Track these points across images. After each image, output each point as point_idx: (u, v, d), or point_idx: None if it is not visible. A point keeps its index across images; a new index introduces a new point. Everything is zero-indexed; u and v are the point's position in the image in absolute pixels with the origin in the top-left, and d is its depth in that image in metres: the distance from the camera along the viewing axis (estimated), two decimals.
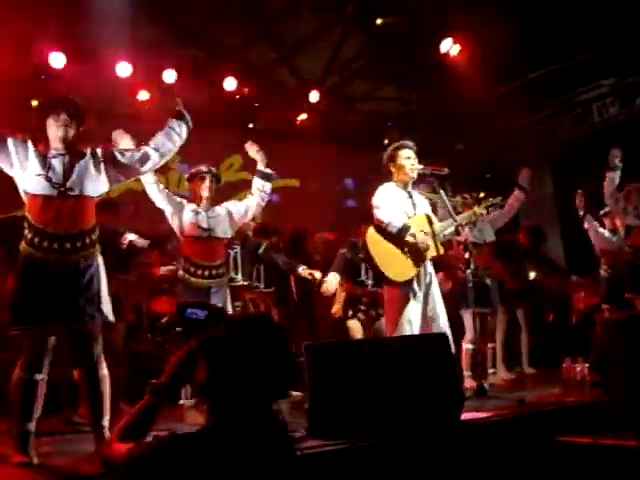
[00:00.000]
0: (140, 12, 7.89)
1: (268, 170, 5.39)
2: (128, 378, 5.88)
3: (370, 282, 6.37)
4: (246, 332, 1.96)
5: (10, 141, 3.71)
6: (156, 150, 4.08)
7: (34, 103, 6.08)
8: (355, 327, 6.44)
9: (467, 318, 6.18)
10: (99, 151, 3.93)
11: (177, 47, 8.78)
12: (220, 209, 5.29)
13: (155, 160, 4.09)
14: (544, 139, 10.79)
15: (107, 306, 3.89)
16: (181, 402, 5.33)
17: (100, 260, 3.88)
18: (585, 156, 10.00)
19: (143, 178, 4.85)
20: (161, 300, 7.11)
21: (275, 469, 1.88)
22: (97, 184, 3.89)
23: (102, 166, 3.90)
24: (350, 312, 6.43)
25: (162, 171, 9.20)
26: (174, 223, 5.15)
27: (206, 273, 5.12)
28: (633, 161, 8.55)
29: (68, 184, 3.73)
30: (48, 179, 3.69)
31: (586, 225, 7.32)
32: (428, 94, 10.74)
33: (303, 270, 6.29)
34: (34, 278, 3.68)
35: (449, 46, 8.73)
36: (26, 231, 3.72)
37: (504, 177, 10.77)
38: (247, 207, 5.33)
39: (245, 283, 6.32)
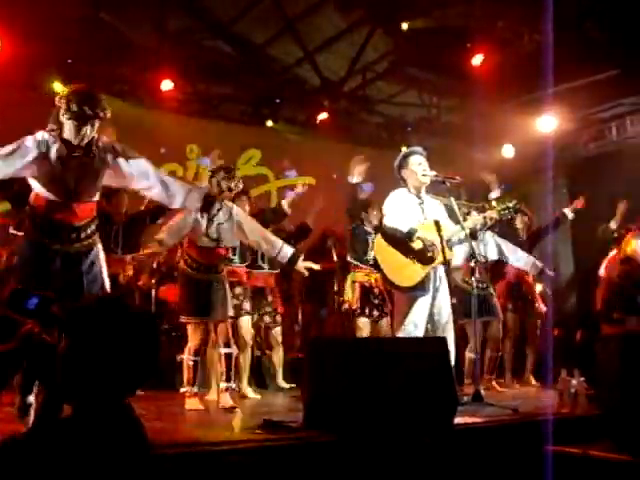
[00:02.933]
0: (168, 1, 8.01)
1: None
2: None
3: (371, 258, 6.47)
4: (92, 316, 1.87)
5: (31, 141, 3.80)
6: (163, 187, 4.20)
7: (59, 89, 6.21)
8: (364, 327, 6.52)
9: (470, 326, 6.22)
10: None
11: (203, 39, 8.89)
12: (234, 212, 5.29)
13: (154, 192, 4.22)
14: (562, 153, 10.82)
15: (108, 287, 4.03)
16: (182, 390, 5.40)
17: (100, 246, 4.04)
18: (601, 173, 10.04)
19: None
20: (170, 288, 7.19)
21: (121, 465, 1.79)
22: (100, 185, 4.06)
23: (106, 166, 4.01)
24: (367, 309, 6.51)
25: (180, 160, 9.41)
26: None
27: (210, 270, 5.24)
28: None
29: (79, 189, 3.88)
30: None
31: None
32: (449, 101, 10.78)
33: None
34: (38, 265, 3.81)
35: (479, 60, 8.74)
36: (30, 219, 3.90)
37: (520, 189, 10.87)
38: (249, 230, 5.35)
39: (243, 265, 6.35)
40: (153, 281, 7.34)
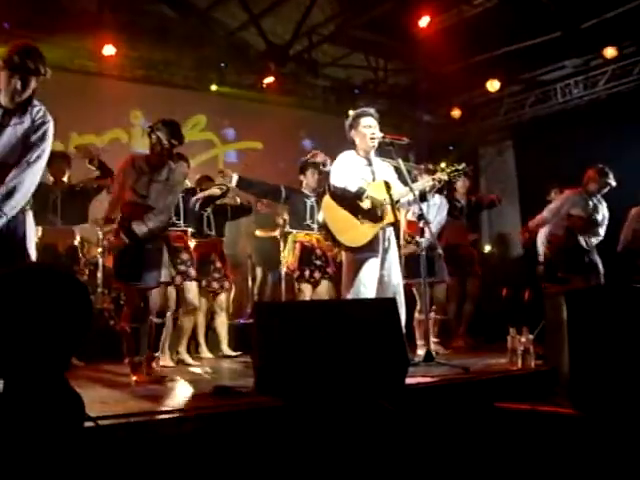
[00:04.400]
0: None
1: None
2: None
3: (316, 226, 6.50)
4: (11, 286, 1.82)
5: None
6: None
7: None
8: (307, 290, 6.50)
9: (418, 288, 6.28)
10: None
11: (145, 3, 8.70)
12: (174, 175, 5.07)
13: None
14: (508, 115, 10.92)
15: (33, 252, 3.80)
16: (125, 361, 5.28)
17: (28, 214, 3.79)
18: (547, 135, 10.17)
19: None
20: None
21: (56, 438, 1.77)
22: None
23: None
24: (307, 272, 6.47)
25: (124, 127, 9.24)
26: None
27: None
28: (593, 143, 8.72)
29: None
30: None
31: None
32: (396, 63, 10.76)
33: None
34: None
35: (426, 22, 8.69)
36: None
37: (468, 149, 10.97)
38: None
39: (190, 229, 6.27)
40: (99, 250, 7.23)
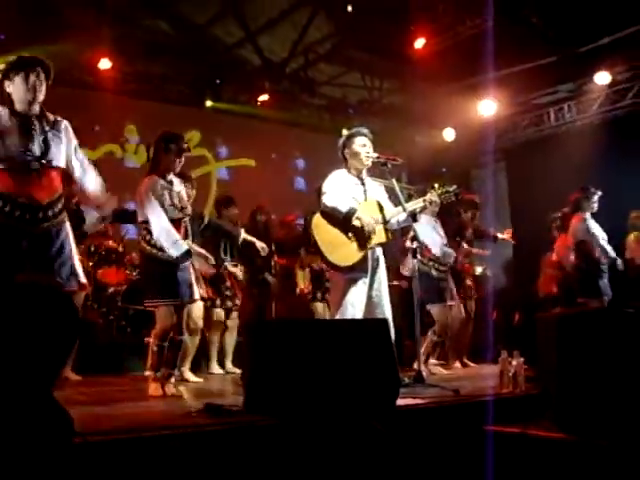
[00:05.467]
0: None
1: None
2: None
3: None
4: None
5: None
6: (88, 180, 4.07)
7: None
8: (322, 310, 6.55)
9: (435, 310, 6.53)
10: (64, 122, 3.94)
11: (143, 18, 8.71)
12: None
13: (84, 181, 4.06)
14: (502, 137, 10.98)
15: (80, 269, 3.90)
16: (146, 373, 5.24)
17: (68, 225, 3.90)
18: (539, 157, 10.24)
19: None
20: (109, 271, 7.08)
21: (44, 453, 1.76)
22: (63, 154, 3.90)
23: (64, 138, 3.91)
24: (319, 294, 6.54)
25: (119, 141, 9.24)
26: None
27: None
28: (586, 167, 8.78)
29: (46, 155, 3.75)
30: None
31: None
32: (391, 83, 10.82)
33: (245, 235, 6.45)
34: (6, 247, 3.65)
35: (421, 43, 8.76)
36: None
37: (460, 172, 11.01)
38: None
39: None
40: (90, 264, 7.19)
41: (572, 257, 7.29)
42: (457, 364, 7.30)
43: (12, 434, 1.69)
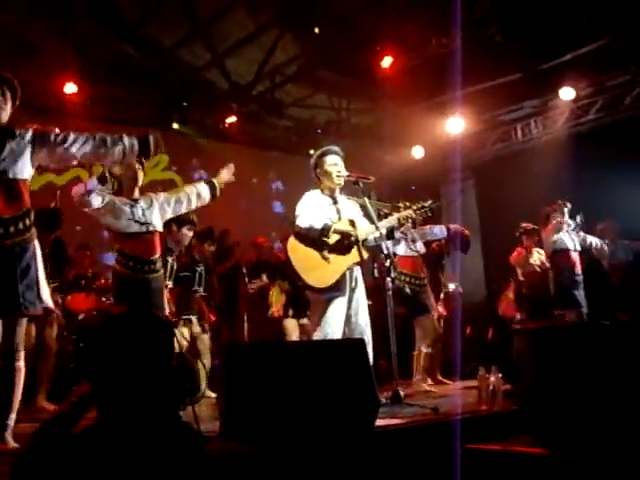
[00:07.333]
0: (73, 2, 7.76)
1: (219, 190, 5.20)
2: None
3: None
4: (117, 329, 1.92)
5: None
6: (75, 143, 3.88)
7: None
8: (291, 327, 6.57)
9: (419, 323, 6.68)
10: (29, 131, 3.75)
11: (109, 42, 8.65)
12: (151, 199, 5.02)
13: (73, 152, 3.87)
14: (471, 154, 11.05)
15: (46, 293, 3.69)
16: None
17: (36, 244, 3.69)
18: (507, 172, 10.32)
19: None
20: (77, 297, 6.95)
21: (168, 469, 1.83)
22: (29, 166, 3.70)
23: (31, 147, 3.71)
24: (291, 312, 6.53)
25: (85, 166, 9.11)
26: (107, 220, 4.87)
27: (145, 268, 4.85)
28: (554, 181, 8.88)
29: (2, 167, 3.56)
30: None
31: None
32: (359, 103, 10.85)
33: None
34: None
35: (388, 62, 8.81)
36: None
37: (429, 189, 11.05)
38: (178, 201, 5.09)
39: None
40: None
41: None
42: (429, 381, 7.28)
43: (154, 452, 1.82)
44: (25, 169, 3.68)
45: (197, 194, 5.10)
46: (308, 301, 6.52)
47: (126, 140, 4.03)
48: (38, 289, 3.62)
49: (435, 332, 6.88)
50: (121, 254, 4.87)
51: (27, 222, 3.64)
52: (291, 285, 6.75)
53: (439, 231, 7.05)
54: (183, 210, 5.17)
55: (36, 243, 3.70)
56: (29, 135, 3.74)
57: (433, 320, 6.84)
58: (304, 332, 6.90)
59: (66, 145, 3.81)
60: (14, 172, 3.61)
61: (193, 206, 5.15)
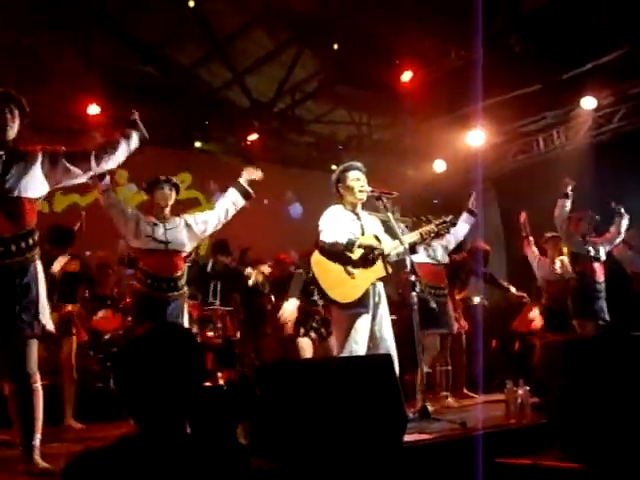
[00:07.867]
0: (94, 25, 7.87)
1: (248, 188, 5.27)
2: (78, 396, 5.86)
3: (321, 302, 6.42)
4: (150, 341, 1.94)
5: None
6: (97, 157, 3.94)
7: None
8: (306, 346, 6.45)
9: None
10: (38, 151, 3.76)
11: (130, 63, 8.75)
12: (179, 220, 5.19)
13: (94, 166, 3.94)
14: (492, 166, 11.00)
15: (45, 315, 3.65)
16: None
17: (39, 265, 3.68)
18: (529, 183, 10.26)
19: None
20: (104, 317, 6.99)
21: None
22: (37, 185, 3.70)
23: (41, 167, 3.72)
24: (302, 330, 6.43)
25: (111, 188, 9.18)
26: (129, 234, 5.02)
27: (164, 285, 4.99)
28: (576, 192, 8.81)
29: (7, 185, 3.55)
30: None
31: (527, 248, 7.60)
32: (380, 118, 10.86)
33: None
34: None
35: (408, 77, 8.83)
36: None
37: (452, 203, 10.99)
38: (206, 221, 5.23)
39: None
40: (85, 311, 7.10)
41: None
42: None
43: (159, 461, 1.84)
44: (33, 188, 3.67)
45: (232, 202, 5.26)
46: (321, 318, 6.53)
47: (123, 139, 4.30)
48: (37, 311, 3.59)
49: (436, 351, 6.74)
50: (141, 271, 4.98)
51: (30, 242, 3.62)
52: (304, 301, 6.63)
53: (461, 225, 7.03)
54: (221, 221, 5.30)
55: (38, 264, 3.68)
56: (39, 154, 3.75)
57: (435, 338, 6.68)
58: (318, 348, 6.64)
59: (76, 162, 3.87)
60: (20, 191, 3.60)
61: (230, 215, 5.30)
